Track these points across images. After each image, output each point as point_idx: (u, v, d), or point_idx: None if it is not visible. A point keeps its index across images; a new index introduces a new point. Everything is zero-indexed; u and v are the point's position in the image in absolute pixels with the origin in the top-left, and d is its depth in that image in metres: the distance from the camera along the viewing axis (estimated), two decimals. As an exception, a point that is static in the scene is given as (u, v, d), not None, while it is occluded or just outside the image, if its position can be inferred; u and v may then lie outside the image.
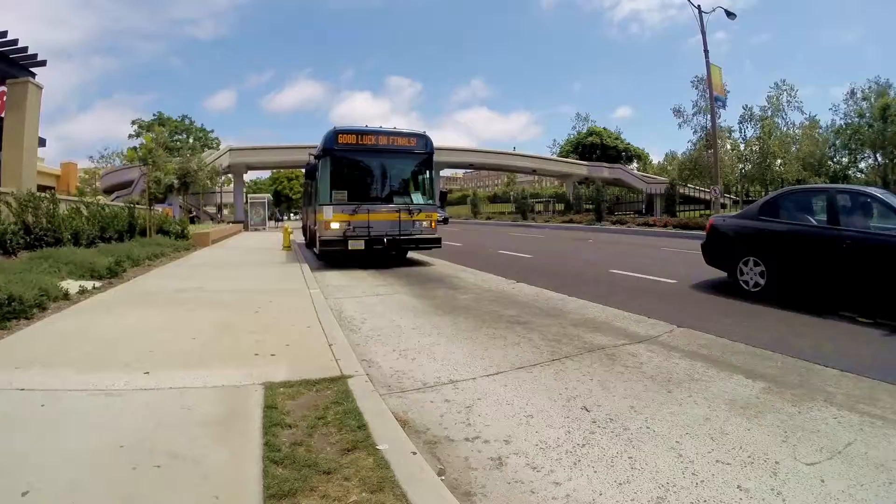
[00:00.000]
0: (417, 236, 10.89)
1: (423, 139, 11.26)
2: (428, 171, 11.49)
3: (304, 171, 15.60)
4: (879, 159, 42.43)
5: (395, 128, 11.26)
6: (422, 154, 11.28)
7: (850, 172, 47.67)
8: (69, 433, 2.46)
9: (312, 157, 11.57)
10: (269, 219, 42.03)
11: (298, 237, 19.01)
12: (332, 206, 10.22)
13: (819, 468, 2.38)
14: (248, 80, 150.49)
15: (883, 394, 3.38)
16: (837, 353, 4.26)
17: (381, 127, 11.12)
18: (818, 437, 2.72)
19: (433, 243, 11.10)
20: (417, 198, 11.23)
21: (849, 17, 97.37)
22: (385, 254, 10.78)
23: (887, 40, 79.69)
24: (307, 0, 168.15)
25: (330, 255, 10.90)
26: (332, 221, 10.14)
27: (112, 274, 7.82)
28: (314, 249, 12.22)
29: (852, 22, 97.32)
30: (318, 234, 10.90)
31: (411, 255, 12.35)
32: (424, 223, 11.00)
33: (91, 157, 63.41)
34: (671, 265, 11.14)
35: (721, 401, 3.21)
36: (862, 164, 47.44)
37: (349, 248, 9.99)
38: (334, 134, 10.50)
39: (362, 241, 10.06)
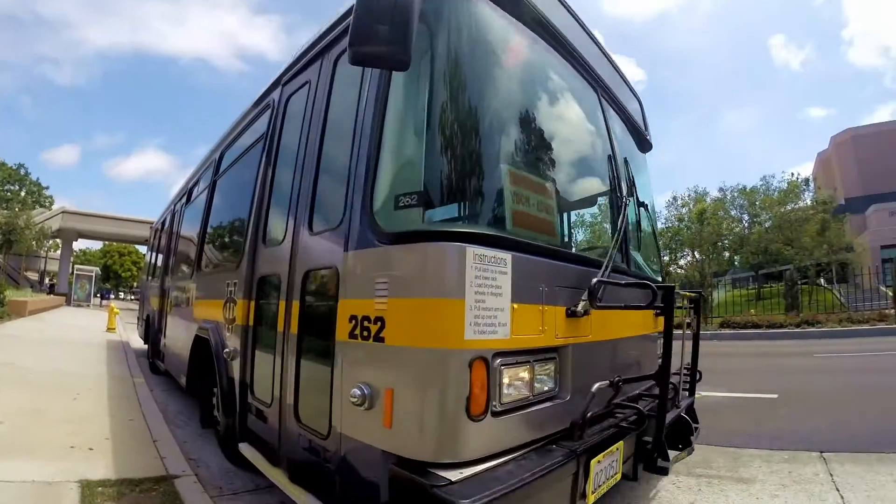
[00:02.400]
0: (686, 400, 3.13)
1: (640, 104, 4.02)
2: (649, 184, 4.11)
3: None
4: (697, 256, 50.77)
5: None
6: (643, 138, 3.98)
7: (671, 269, 56.20)
8: None
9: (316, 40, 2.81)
10: (94, 295, 37.55)
11: (128, 320, 15.11)
12: (508, 258, 1.84)
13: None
14: (96, 139, 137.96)
15: (716, 456, 3.78)
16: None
17: None
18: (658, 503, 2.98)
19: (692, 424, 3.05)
20: (638, 257, 3.47)
21: (671, 139, 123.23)
22: None
23: (703, 155, 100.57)
24: (175, 69, 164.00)
25: None
26: (518, 370, 1.90)
27: None
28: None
29: (670, 144, 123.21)
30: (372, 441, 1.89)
31: None
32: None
33: None
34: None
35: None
36: (682, 261, 56.66)
37: None
38: None
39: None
